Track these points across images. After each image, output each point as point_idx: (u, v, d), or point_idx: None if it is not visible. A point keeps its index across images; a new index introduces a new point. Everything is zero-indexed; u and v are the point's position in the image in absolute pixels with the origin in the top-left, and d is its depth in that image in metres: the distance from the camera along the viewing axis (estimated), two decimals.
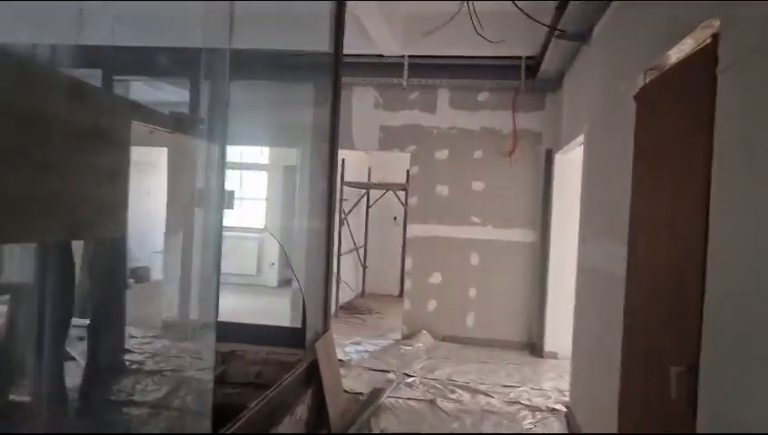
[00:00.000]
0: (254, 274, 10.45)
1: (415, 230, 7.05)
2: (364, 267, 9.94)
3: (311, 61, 4.95)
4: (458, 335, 6.92)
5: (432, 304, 7.00)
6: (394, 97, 7.04)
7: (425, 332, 6.89)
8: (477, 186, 6.93)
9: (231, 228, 9.76)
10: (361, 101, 7.10)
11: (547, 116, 6.80)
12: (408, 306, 7.06)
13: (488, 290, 6.91)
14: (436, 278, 6.99)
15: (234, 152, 10.63)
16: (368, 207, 9.94)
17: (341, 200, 8.32)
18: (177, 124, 3.45)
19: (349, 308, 8.80)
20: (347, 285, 8.82)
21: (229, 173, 10.65)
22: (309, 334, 4.40)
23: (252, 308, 7.67)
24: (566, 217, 6.47)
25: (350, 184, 8.37)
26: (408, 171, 7.41)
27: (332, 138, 4.59)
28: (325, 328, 4.61)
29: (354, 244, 9.21)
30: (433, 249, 7.00)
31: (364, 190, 8.77)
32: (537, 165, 6.84)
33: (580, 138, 5.18)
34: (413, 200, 7.08)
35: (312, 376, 4.13)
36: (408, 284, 7.07)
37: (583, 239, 4.49)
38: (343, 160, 8.24)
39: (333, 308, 8.13)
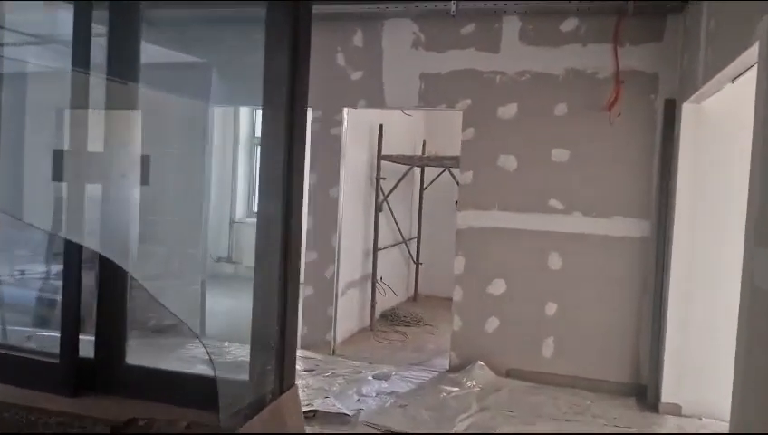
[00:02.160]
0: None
1: (468, 219, 5.00)
2: (417, 264, 7.98)
3: None
4: (529, 370, 4.84)
5: (492, 324, 4.95)
6: (440, 31, 5.00)
7: (481, 363, 4.86)
8: (560, 155, 4.79)
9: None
10: (394, 40, 5.11)
11: (667, 50, 4.53)
12: (459, 325, 5.04)
13: (574, 306, 4.77)
14: (497, 287, 4.94)
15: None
16: (422, 188, 7.95)
17: (378, 179, 6.38)
18: None
19: (392, 317, 6.88)
20: (388, 287, 6.90)
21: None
22: (250, 396, 2.53)
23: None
24: (701, 200, 4.22)
25: (390, 158, 6.40)
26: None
27: (292, 90, 2.62)
28: (282, 386, 2.70)
29: (401, 235, 7.27)
30: (494, 246, 4.94)
31: (407, 166, 6.78)
32: (651, 123, 4.60)
33: (738, 64, 3.01)
34: (466, 177, 5.03)
35: None
36: (457, 293, 5.05)
37: (761, 241, 2.32)
38: (381, 128, 6.30)
39: (368, 320, 6.26)
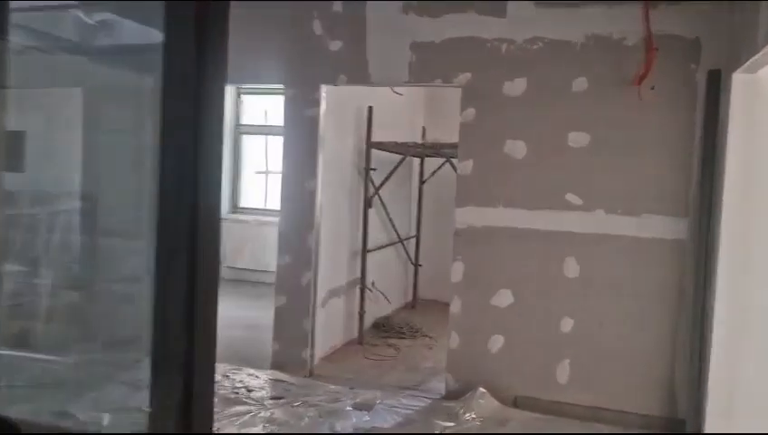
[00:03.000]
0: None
1: (468, 217, 4.19)
2: (416, 266, 7.18)
3: None
4: (542, 398, 4.03)
5: (497, 342, 4.15)
6: None
7: (482, 390, 4.05)
8: (578, 140, 3.96)
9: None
10: (380, 3, 4.30)
11: (712, 9, 3.69)
12: (457, 343, 4.24)
13: (595, 322, 3.95)
14: (503, 299, 4.13)
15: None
16: (421, 181, 7.14)
17: (368, 170, 5.57)
18: None
19: (385, 327, 6.08)
20: (381, 294, 6.11)
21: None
22: None
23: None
24: (756, 194, 3.39)
25: (381, 146, 5.59)
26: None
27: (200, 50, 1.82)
28: None
29: (397, 234, 6.46)
30: (499, 249, 4.13)
31: (402, 156, 5.95)
32: (691, 99, 3.76)
33: None
34: (465, 167, 4.22)
35: None
36: (455, 305, 4.25)
37: None
38: (370, 110, 5.50)
39: (357, 331, 5.48)
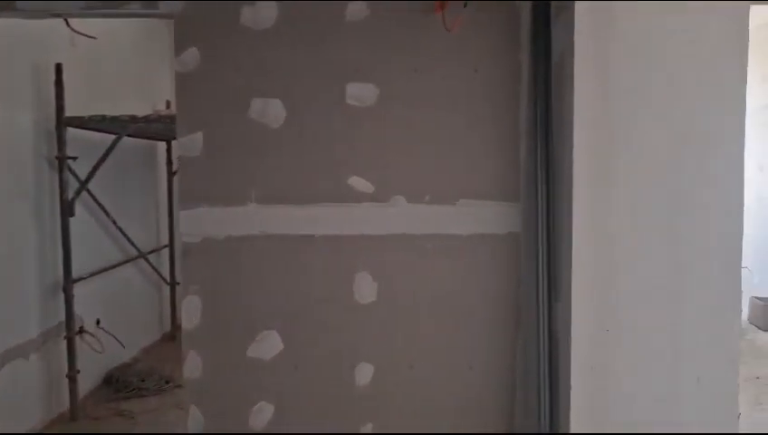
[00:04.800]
0: None
1: (201, 223, 2.62)
2: (172, 285, 5.42)
3: None
4: None
5: (264, 414, 2.66)
6: None
7: None
8: (361, 95, 2.61)
9: None
10: None
11: None
12: (200, 423, 2.68)
13: (404, 364, 2.67)
14: (267, 346, 2.65)
15: None
16: (170, 172, 5.38)
17: (63, 160, 3.70)
18: None
19: (121, 382, 4.28)
20: (111, 336, 4.29)
21: None
22: None
23: None
24: (615, 170, 2.33)
25: (75, 122, 3.72)
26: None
27: None
28: None
29: (134, 246, 4.66)
30: (254, 270, 2.63)
31: (114, 137, 4.08)
32: (516, 34, 2.62)
33: None
34: (190, 144, 2.62)
35: None
36: (191, 365, 2.67)
37: None
38: (58, 69, 3.63)
39: (67, 401, 3.63)
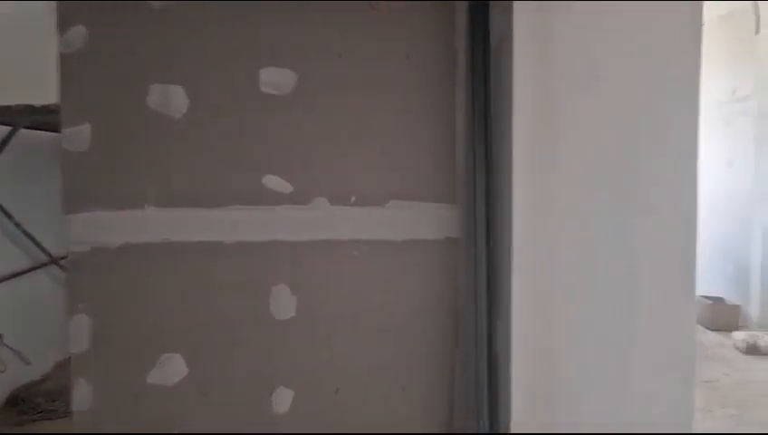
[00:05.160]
0: None
1: (91, 229, 2.26)
2: None
3: None
4: None
5: None
6: None
7: None
8: (277, 81, 2.29)
9: None
10: None
11: None
12: None
13: (328, 388, 2.37)
14: (170, 370, 2.30)
15: None
16: None
17: None
18: None
19: (25, 403, 3.84)
20: (15, 351, 3.85)
21: None
22: None
23: None
24: (553, 168, 2.07)
25: None
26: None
27: None
28: None
29: (45, 251, 4.21)
30: (154, 283, 2.28)
31: (9, 129, 3.60)
32: (450, 13, 2.34)
33: None
34: (76, 136, 2.25)
35: None
36: (81, 397, 2.30)
37: None
38: None
39: None
